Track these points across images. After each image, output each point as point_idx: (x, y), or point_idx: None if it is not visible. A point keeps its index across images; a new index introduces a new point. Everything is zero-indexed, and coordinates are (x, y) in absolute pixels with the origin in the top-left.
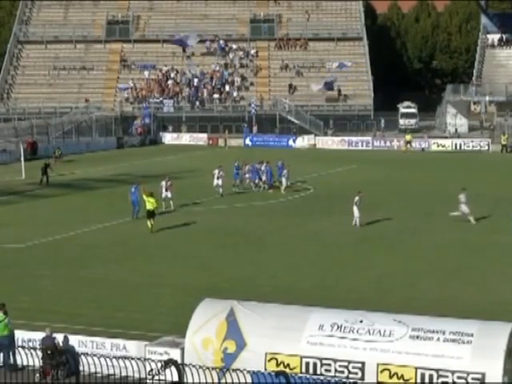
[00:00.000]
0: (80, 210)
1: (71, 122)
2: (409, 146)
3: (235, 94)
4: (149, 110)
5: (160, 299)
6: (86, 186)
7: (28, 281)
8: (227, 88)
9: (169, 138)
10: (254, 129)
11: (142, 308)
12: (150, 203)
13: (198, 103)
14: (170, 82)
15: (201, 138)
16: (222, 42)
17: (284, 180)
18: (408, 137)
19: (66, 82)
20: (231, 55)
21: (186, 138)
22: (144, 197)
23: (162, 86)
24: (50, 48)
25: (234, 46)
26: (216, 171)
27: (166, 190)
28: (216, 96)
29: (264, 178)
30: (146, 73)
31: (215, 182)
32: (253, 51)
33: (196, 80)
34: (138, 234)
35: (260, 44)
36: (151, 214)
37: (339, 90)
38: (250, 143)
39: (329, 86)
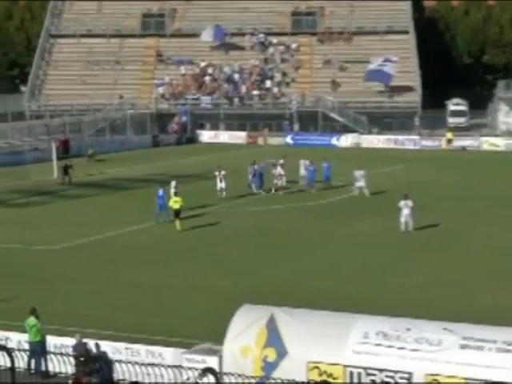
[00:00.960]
0: (114, 211)
1: (105, 119)
2: (450, 144)
3: (275, 90)
4: (185, 107)
5: (196, 304)
6: (119, 186)
7: (60, 284)
8: (267, 84)
9: (206, 136)
10: (296, 127)
11: (177, 313)
12: (176, 202)
13: (236, 100)
14: (207, 77)
15: (239, 137)
16: (261, 35)
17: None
18: (449, 134)
19: (100, 77)
20: (271, 50)
21: (223, 137)
22: (171, 196)
23: (199, 82)
24: (82, 42)
25: (275, 40)
26: (217, 173)
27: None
28: (255, 92)
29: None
30: (183, 68)
31: (218, 185)
32: (294, 45)
33: (235, 76)
34: (172, 237)
35: (302, 38)
36: (178, 214)
37: (387, 86)
38: (291, 142)
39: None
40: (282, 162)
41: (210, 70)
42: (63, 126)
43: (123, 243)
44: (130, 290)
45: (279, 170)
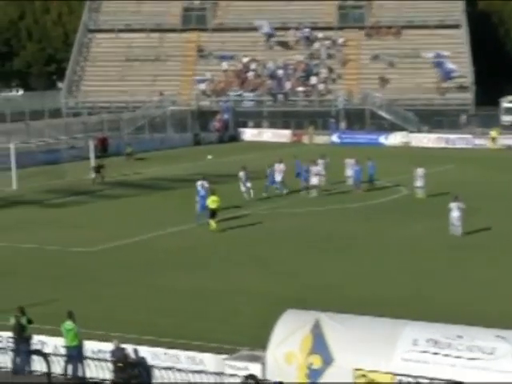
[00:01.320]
0: (153, 211)
1: (144, 116)
2: (495, 142)
3: (321, 86)
4: (228, 104)
5: (237, 309)
6: (159, 186)
7: (97, 287)
8: (312, 80)
9: (249, 134)
10: (342, 125)
11: (218, 318)
12: (214, 202)
13: (280, 97)
14: (250, 73)
15: (283, 135)
16: (307, 30)
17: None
18: (493, 133)
19: (139, 73)
20: (317, 45)
21: (267, 135)
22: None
23: (241, 78)
24: (121, 37)
25: (320, 35)
26: (241, 173)
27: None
28: (300, 89)
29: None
30: (225, 64)
31: (242, 187)
32: (341, 40)
33: (279, 72)
34: (213, 239)
35: (348, 32)
36: (214, 214)
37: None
38: (337, 140)
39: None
40: (322, 161)
41: (253, 66)
42: (101, 123)
43: (163, 245)
44: (170, 293)
45: (317, 169)
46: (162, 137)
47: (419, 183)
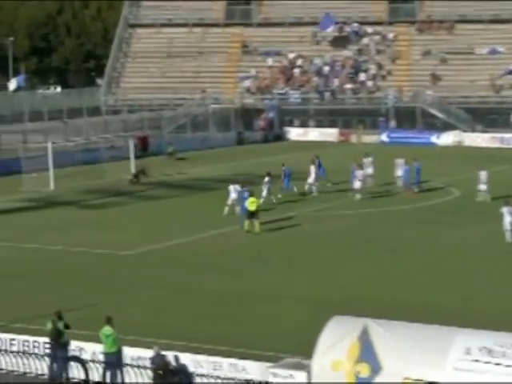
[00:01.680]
0: (194, 213)
1: (186, 115)
2: None
3: (370, 83)
4: (273, 102)
5: (282, 315)
6: (201, 187)
7: (137, 292)
8: (361, 77)
9: (294, 133)
10: (392, 123)
11: (262, 324)
12: (253, 203)
13: (327, 94)
14: (296, 70)
15: (331, 134)
16: (355, 25)
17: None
18: None
19: (181, 70)
20: (366, 40)
21: (313, 134)
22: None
23: (287, 75)
24: (163, 32)
25: (370, 30)
26: (267, 179)
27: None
28: (348, 86)
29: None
30: (270, 60)
31: (265, 192)
32: (391, 35)
33: (326, 68)
34: (256, 242)
35: (399, 27)
36: (253, 215)
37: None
38: (386, 140)
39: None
40: (368, 159)
41: (299, 62)
42: (141, 121)
43: (205, 248)
44: (212, 298)
45: (360, 173)
46: (204, 136)
47: (483, 187)
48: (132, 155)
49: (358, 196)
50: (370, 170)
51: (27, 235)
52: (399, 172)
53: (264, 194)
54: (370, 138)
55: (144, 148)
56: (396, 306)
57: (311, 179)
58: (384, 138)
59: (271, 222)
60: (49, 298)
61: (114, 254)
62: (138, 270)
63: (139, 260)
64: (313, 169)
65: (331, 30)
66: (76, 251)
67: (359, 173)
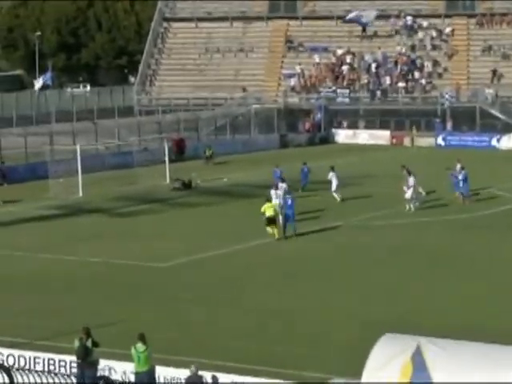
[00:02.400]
0: (234, 222)
1: (225, 115)
2: None
3: (425, 82)
4: (320, 101)
5: (329, 332)
6: (242, 193)
7: (171, 307)
8: (415, 75)
9: (343, 135)
10: (449, 125)
11: (307, 342)
12: (270, 209)
13: (379, 93)
14: (344, 67)
15: (382, 136)
16: (409, 18)
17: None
18: None
19: (220, 67)
20: (421, 35)
21: (363, 136)
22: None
23: (335, 73)
24: (201, 27)
25: (425, 24)
26: (282, 185)
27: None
28: (401, 85)
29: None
30: (317, 56)
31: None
32: (448, 30)
33: (377, 65)
34: (300, 253)
35: (457, 21)
36: (273, 221)
37: None
38: (442, 143)
39: None
40: (457, 167)
41: (348, 59)
42: (177, 123)
43: (245, 260)
44: (253, 314)
45: (412, 180)
46: (245, 138)
47: None
48: (167, 159)
49: (411, 206)
50: (460, 177)
51: (53, 245)
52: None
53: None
54: (424, 141)
55: (180, 151)
56: (452, 324)
57: (409, 194)
58: (440, 140)
59: (316, 231)
60: (76, 313)
61: (146, 266)
62: (172, 284)
63: (174, 273)
64: (411, 180)
65: (369, 23)
66: (106, 263)
67: (411, 180)
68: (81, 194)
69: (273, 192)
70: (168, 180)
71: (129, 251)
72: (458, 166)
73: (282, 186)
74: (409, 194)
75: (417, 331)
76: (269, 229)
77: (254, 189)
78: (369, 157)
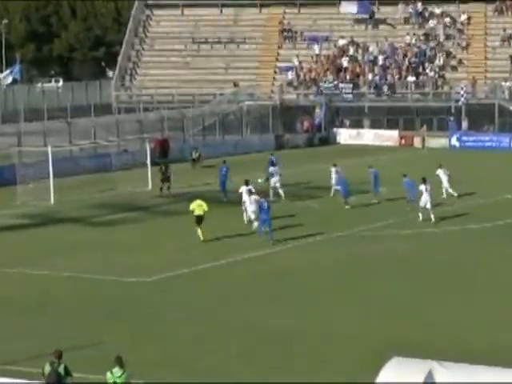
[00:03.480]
0: (224, 231)
1: (214, 113)
2: None
3: (437, 76)
4: (319, 97)
5: (331, 354)
6: (233, 200)
7: (154, 326)
8: (426, 68)
9: (345, 135)
10: (464, 124)
11: (306, 366)
12: (199, 207)
13: (385, 89)
14: (347, 59)
15: (389, 137)
16: (419, 4)
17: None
18: None
19: (209, 59)
20: (432, 23)
21: (368, 137)
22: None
23: (336, 66)
24: (187, 14)
25: (437, 11)
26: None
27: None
28: (411, 79)
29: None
30: (316, 47)
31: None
32: (463, 17)
33: (384, 57)
34: (299, 265)
35: (473, 7)
36: (201, 221)
37: None
38: (457, 144)
39: None
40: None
41: (351, 50)
42: (161, 121)
43: (237, 274)
44: (247, 334)
45: (424, 187)
46: (236, 139)
47: None
48: (149, 162)
49: (419, 216)
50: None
51: (21, 259)
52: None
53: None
54: (436, 142)
55: (164, 153)
56: (468, 346)
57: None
58: (454, 141)
59: (318, 241)
60: (47, 334)
61: (127, 281)
62: (154, 301)
63: (157, 289)
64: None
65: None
66: (81, 278)
67: (423, 187)
68: (52, 201)
69: (272, 169)
70: (150, 185)
71: (106, 265)
72: (440, 172)
73: (274, 168)
74: (423, 201)
75: (428, 354)
76: (198, 230)
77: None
78: (374, 159)
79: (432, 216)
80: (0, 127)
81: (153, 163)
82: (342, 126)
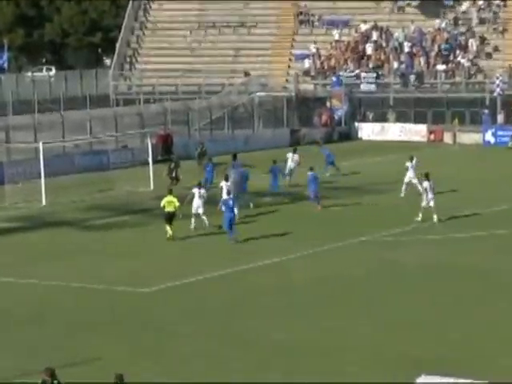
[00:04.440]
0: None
1: (223, 106)
2: None
3: (470, 64)
4: (339, 88)
5: (348, 372)
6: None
7: (155, 339)
8: (458, 56)
9: (368, 130)
10: (500, 117)
11: (319, 382)
12: (171, 204)
13: (412, 79)
14: (370, 46)
15: (417, 132)
16: None
17: None
18: None
19: (216, 46)
20: (464, 6)
21: (393, 131)
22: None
23: (358, 53)
24: None
25: None
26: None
27: None
28: (440, 68)
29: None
30: (336, 32)
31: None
32: None
33: (410, 43)
34: (315, 273)
35: None
36: (171, 218)
37: None
38: (492, 139)
39: None
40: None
41: (374, 36)
42: (163, 115)
43: (245, 283)
44: (254, 349)
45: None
46: (246, 134)
47: None
48: (150, 159)
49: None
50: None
51: (9, 266)
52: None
53: (428, 196)
54: (469, 138)
55: (166, 149)
56: (497, 362)
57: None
58: (489, 136)
59: (336, 248)
60: (39, 349)
61: (125, 291)
62: (155, 312)
63: (158, 299)
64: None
65: None
66: (75, 287)
67: (426, 184)
68: (44, 202)
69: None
70: (152, 185)
71: (103, 273)
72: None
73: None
74: (427, 200)
75: (458, 372)
76: (168, 227)
77: (259, 197)
78: (400, 157)
79: (435, 216)
80: None
81: (155, 160)
82: (364, 119)
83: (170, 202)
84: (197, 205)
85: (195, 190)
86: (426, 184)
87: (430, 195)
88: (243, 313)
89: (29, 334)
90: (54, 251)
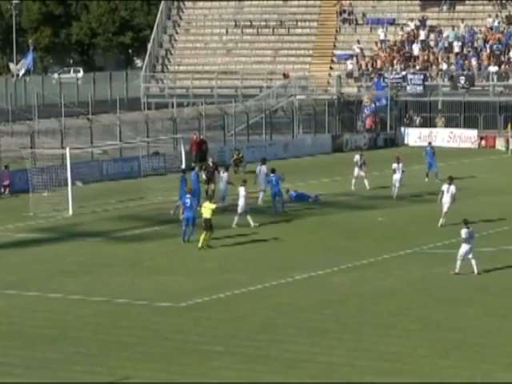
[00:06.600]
0: (271, 249)
1: (260, 109)
2: None
3: None
4: (384, 90)
5: None
6: (284, 214)
7: (191, 360)
8: (511, 57)
9: (415, 135)
10: None
11: None
12: (208, 210)
13: (462, 81)
14: (417, 46)
15: (467, 137)
16: None
17: None
18: None
19: (254, 47)
20: None
21: (442, 137)
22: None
23: (405, 53)
24: None
25: None
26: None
27: None
28: (493, 69)
29: None
30: (381, 32)
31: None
32: None
33: (461, 43)
34: (358, 289)
35: None
36: (208, 225)
37: None
38: None
39: None
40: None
41: (422, 35)
42: (197, 119)
43: (287, 299)
44: (298, 368)
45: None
46: (286, 140)
47: None
48: (183, 166)
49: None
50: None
51: (34, 280)
52: None
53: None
54: None
55: (201, 155)
56: None
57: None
58: None
59: (378, 261)
60: (63, 369)
61: (156, 306)
62: (189, 330)
63: (192, 315)
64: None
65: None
66: (104, 302)
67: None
68: (71, 212)
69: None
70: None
71: (133, 287)
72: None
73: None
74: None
75: None
76: (202, 235)
77: (302, 208)
78: (449, 164)
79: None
80: (10, 125)
81: (188, 168)
82: (410, 124)
83: (208, 208)
84: (242, 204)
85: (241, 189)
86: (452, 188)
87: (448, 199)
88: (288, 331)
89: (52, 353)
90: (79, 264)
